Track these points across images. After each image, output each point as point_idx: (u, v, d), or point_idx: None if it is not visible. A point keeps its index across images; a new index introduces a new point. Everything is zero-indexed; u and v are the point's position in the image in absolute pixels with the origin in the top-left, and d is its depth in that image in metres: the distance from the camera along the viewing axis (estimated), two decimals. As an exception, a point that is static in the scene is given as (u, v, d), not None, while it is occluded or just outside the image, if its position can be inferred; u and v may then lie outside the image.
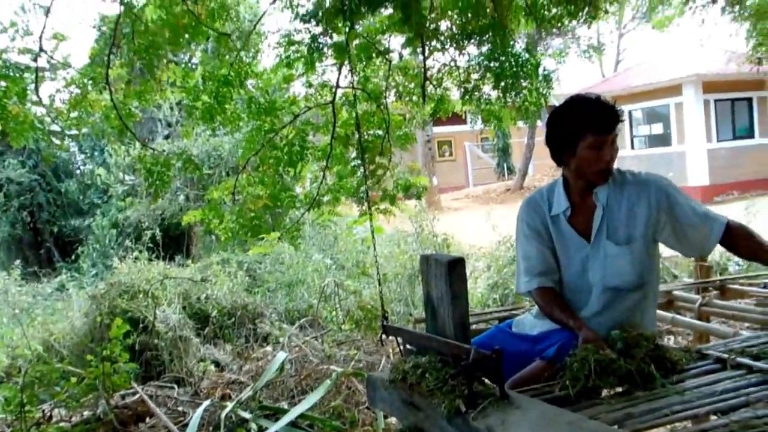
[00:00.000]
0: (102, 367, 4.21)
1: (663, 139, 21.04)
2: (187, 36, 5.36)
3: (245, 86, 5.63)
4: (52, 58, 5.66)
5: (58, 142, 7.65)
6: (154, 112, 13.93)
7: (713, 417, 1.83)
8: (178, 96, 5.90)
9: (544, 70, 5.51)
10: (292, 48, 5.41)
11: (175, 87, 5.77)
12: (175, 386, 5.32)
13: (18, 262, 11.44)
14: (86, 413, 4.39)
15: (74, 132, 6.70)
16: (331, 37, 5.23)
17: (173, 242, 13.26)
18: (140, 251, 8.66)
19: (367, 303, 6.89)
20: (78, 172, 17.05)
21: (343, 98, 5.79)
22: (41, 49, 5.30)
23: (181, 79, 5.57)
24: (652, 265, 2.51)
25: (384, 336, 2.53)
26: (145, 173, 5.50)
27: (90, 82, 5.48)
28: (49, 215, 16.02)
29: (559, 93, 5.84)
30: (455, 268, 2.06)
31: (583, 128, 2.35)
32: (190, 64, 7.49)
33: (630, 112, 21.83)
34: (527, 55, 5.53)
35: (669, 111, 20.66)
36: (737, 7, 6.48)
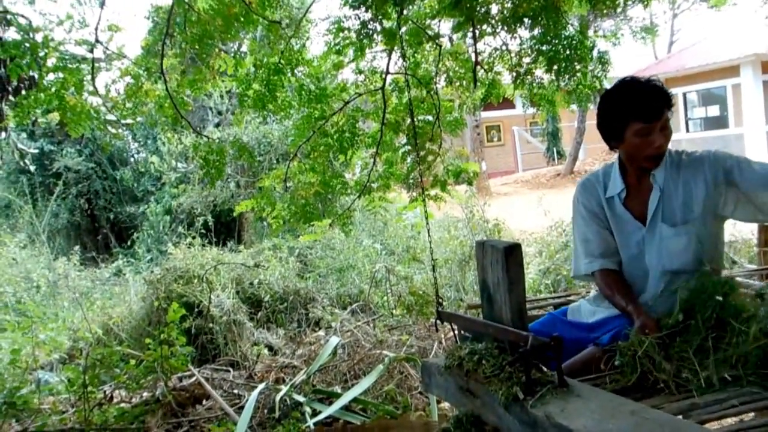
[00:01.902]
0: (160, 351, 4.31)
1: (719, 122, 20.47)
2: (237, 25, 5.41)
3: (295, 74, 5.65)
4: (107, 49, 5.77)
5: (113, 131, 7.81)
6: (205, 100, 14.12)
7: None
8: (230, 84, 5.95)
9: (599, 52, 5.39)
10: (342, 34, 5.40)
11: (227, 76, 5.83)
12: (230, 369, 5.42)
13: (77, 248, 11.78)
14: (145, 395, 4.51)
15: (129, 121, 6.83)
16: (380, 23, 5.20)
17: (225, 228, 13.47)
18: (193, 237, 8.82)
19: (419, 288, 6.90)
20: (132, 160, 17.41)
21: (393, 84, 5.77)
22: (97, 41, 5.41)
23: (233, 68, 5.62)
24: (712, 246, 2.43)
25: (438, 322, 2.52)
26: (201, 161, 5.57)
27: (144, 72, 5.58)
28: (106, 202, 16.42)
29: (612, 76, 5.70)
30: (512, 254, 2.04)
31: (629, 116, 2.32)
32: (239, 53, 7.54)
33: (684, 95, 21.30)
34: (580, 38, 5.42)
35: (726, 92, 20.08)
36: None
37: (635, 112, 2.30)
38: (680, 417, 1.73)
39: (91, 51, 5.49)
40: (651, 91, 2.31)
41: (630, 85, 2.37)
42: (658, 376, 1.98)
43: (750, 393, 1.81)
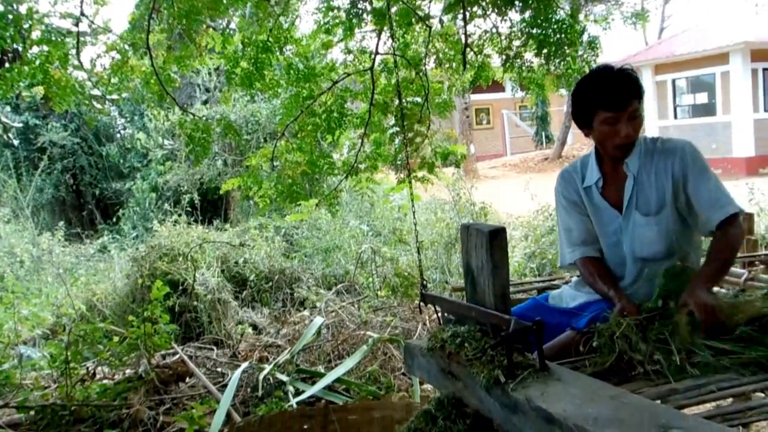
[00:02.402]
0: (143, 328, 4.29)
1: (707, 109, 20.52)
2: (226, 1, 5.35)
3: (284, 52, 5.61)
4: (92, 23, 5.70)
5: (99, 106, 7.73)
6: (193, 77, 13.98)
7: (760, 394, 1.80)
8: (217, 62, 5.90)
9: (589, 36, 5.38)
10: (331, 13, 5.37)
11: (214, 53, 5.77)
12: (214, 348, 5.42)
13: (61, 223, 11.70)
14: (128, 372, 4.50)
15: (115, 97, 6.76)
16: (370, 3, 5.17)
17: (211, 206, 13.41)
18: (179, 215, 8.77)
19: (404, 270, 6.91)
20: (118, 136, 17.24)
21: (382, 65, 5.74)
22: (82, 14, 5.34)
23: (221, 45, 5.57)
24: (683, 234, 2.45)
25: (422, 304, 2.53)
26: (186, 138, 5.53)
27: (130, 47, 5.52)
28: (91, 178, 16.28)
29: (602, 60, 5.70)
30: (496, 237, 2.04)
31: (597, 104, 2.34)
32: (228, 30, 7.46)
33: (673, 81, 21.33)
34: (571, 22, 5.40)
35: (714, 80, 20.11)
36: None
37: (602, 100, 2.32)
38: (659, 402, 1.74)
39: (77, 24, 5.43)
40: (619, 80, 2.32)
41: (600, 74, 2.38)
42: (634, 357, 1.99)
43: (728, 379, 1.83)
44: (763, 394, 1.77)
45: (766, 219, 7.18)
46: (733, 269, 3.65)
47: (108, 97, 6.61)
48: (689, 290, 2.15)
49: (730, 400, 1.87)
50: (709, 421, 1.54)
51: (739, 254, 4.42)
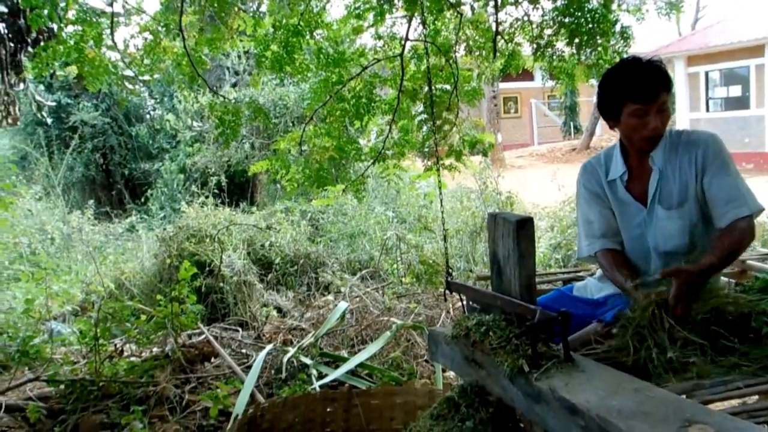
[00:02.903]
0: (171, 307, 4.36)
1: (741, 102, 20.16)
2: (258, -16, 5.37)
3: (314, 37, 5.61)
4: (126, 3, 5.74)
5: (130, 87, 7.81)
6: (222, 60, 14.05)
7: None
8: (248, 45, 5.92)
9: (622, 26, 5.31)
10: (363, -2, 5.36)
11: (245, 36, 5.79)
12: (239, 329, 5.49)
13: (91, 202, 11.86)
14: (155, 350, 4.58)
15: (147, 78, 6.82)
16: (402, -12, 5.15)
17: (238, 189, 13.50)
18: (207, 196, 8.85)
19: (429, 257, 6.92)
20: (148, 116, 17.39)
21: (412, 51, 5.72)
22: (117, -6, 5.39)
23: (251, 28, 5.58)
24: (706, 228, 2.43)
25: (447, 292, 2.54)
26: (216, 121, 5.57)
27: (163, 28, 5.55)
28: (121, 158, 16.47)
29: (634, 51, 5.62)
30: (524, 227, 2.04)
31: (625, 96, 2.32)
32: (259, 13, 7.48)
33: (706, 73, 20.97)
34: (604, 11, 5.34)
35: (749, 72, 19.74)
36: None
37: (631, 92, 2.30)
38: (684, 396, 1.74)
39: (111, 5, 5.47)
40: (649, 72, 2.30)
41: (629, 66, 2.35)
42: (657, 356, 1.98)
43: (754, 376, 1.82)
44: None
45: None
46: (761, 265, 3.61)
47: (140, 78, 6.66)
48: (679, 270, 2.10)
49: (755, 397, 1.86)
50: (735, 417, 1.53)
51: (766, 251, 4.37)
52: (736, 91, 20.45)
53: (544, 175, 11.64)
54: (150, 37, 5.59)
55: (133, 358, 4.49)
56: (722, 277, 2.70)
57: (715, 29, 22.03)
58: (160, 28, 5.57)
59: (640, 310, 2.07)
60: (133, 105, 16.63)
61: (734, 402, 1.81)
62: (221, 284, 6.17)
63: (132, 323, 4.68)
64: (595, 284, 2.69)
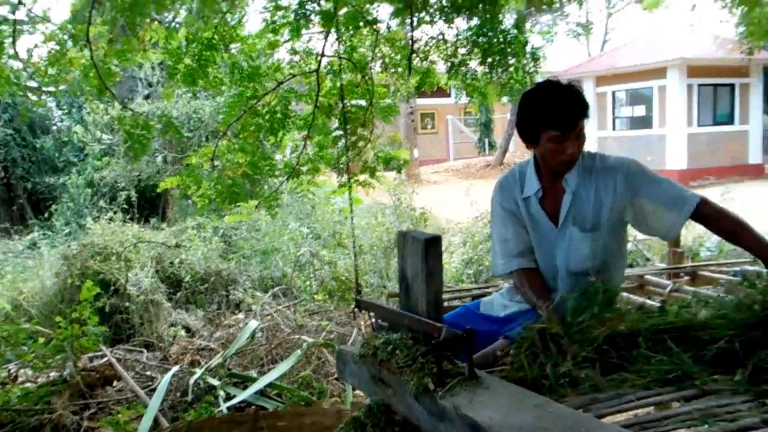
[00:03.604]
0: (71, 329, 4.16)
1: (645, 122, 21.16)
2: (171, -5, 5.24)
3: (229, 50, 5.52)
4: (31, 11, 5.51)
5: (34, 98, 7.48)
6: (135, 71, 13.69)
7: (676, 404, 1.84)
8: (161, 57, 5.77)
9: (532, 48, 5.46)
10: (279, 13, 5.31)
11: (158, 48, 5.65)
12: (144, 350, 5.30)
13: (-10, 217, 11.30)
14: (53, 374, 4.35)
15: (51, 89, 6.55)
16: (318, 4, 5.14)
17: (149, 204, 13.14)
18: (115, 212, 8.57)
19: (342, 274, 6.89)
20: (55, 128, 16.74)
21: (328, 67, 5.70)
22: (20, 2, 5.16)
23: (164, 40, 5.45)
24: (616, 250, 2.52)
25: (357, 310, 2.52)
26: (125, 135, 5.39)
27: (70, 38, 5.35)
28: (24, 171, 15.75)
29: (546, 71, 5.79)
30: (432, 246, 2.04)
31: (544, 123, 2.34)
32: (173, 24, 7.30)
33: (614, 93, 21.91)
34: (516, 32, 5.48)
35: (652, 93, 20.76)
36: (729, -6, 6.47)
37: (551, 120, 2.33)
38: (581, 410, 1.77)
39: (14, 12, 5.24)
40: (569, 100, 2.34)
41: (550, 92, 2.38)
42: (550, 372, 2.00)
43: (645, 389, 1.87)
44: (679, 404, 1.81)
45: (694, 231, 7.40)
46: (657, 280, 3.76)
47: (45, 89, 6.40)
48: None
49: (649, 409, 1.91)
50: (627, 430, 1.57)
51: (664, 266, 4.56)
52: (640, 110, 21.44)
53: (458, 190, 11.83)
54: (56, 47, 5.37)
55: (28, 384, 4.25)
56: (623, 293, 2.79)
57: (622, 51, 23.08)
58: (66, 38, 5.36)
59: (533, 330, 2.09)
60: (38, 116, 15.98)
61: (628, 414, 1.85)
62: (127, 304, 5.95)
63: (29, 347, 4.44)
64: (500, 301, 2.71)
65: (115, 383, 4.30)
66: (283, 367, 4.06)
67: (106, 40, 5.33)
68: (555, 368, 1.97)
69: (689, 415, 1.71)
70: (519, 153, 26.24)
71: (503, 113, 26.66)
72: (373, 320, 2.43)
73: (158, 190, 6.59)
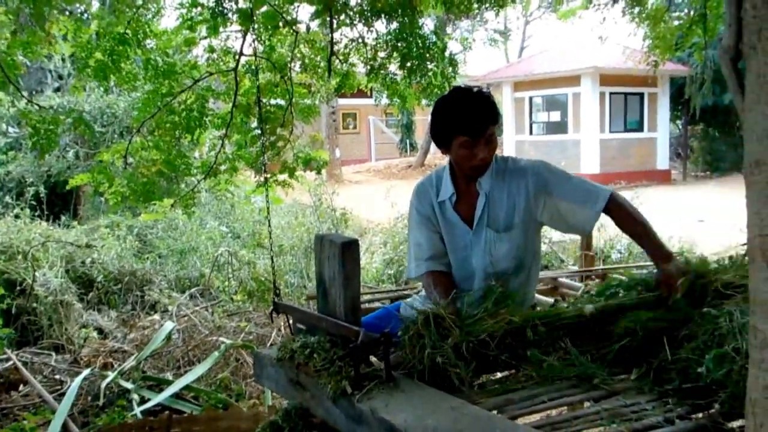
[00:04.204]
0: (-28, 333, 3.97)
1: (560, 127, 21.83)
2: (81, -14, 5.06)
3: (143, 46, 5.37)
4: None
5: (-69, 87, 7.07)
6: (45, 62, 13.09)
7: (586, 404, 1.92)
8: (70, 50, 5.55)
9: (451, 53, 5.55)
10: (196, 10, 5.20)
11: (67, 41, 5.43)
12: (54, 353, 5.09)
13: None
14: (-47, 380, 4.14)
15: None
16: (236, 2, 5.06)
17: (60, 200, 12.59)
18: (22, 208, 8.18)
19: (261, 274, 6.81)
20: (-44, 120, 15.87)
21: (247, 66, 5.63)
22: None
23: (73, 33, 5.25)
24: (531, 249, 2.60)
25: (275, 312, 2.51)
26: (31, 131, 5.16)
27: (-31, 28, 5.08)
28: None
29: (465, 74, 5.90)
30: (349, 249, 2.07)
31: (454, 129, 2.41)
32: (85, 16, 7.02)
33: (531, 98, 22.51)
34: (434, 38, 5.55)
35: (567, 100, 21.43)
36: (636, 9, 6.75)
37: (460, 126, 2.40)
38: (495, 412, 1.82)
39: None
40: (477, 107, 2.41)
41: (459, 99, 2.45)
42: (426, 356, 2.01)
43: (560, 389, 1.94)
44: (589, 404, 1.89)
45: (605, 234, 7.69)
46: (570, 282, 3.90)
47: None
48: (662, 272, 2.30)
49: (564, 409, 1.98)
50: (539, 430, 1.63)
51: (577, 268, 4.73)
52: (556, 116, 22.11)
53: (379, 191, 11.89)
54: (-47, 35, 5.10)
55: (-76, 391, 4.04)
56: (537, 295, 2.88)
57: (539, 58, 23.74)
58: (-35, 28, 5.10)
59: (423, 314, 2.11)
60: (-63, 107, 15.08)
61: (540, 416, 1.92)
62: (34, 305, 5.70)
63: (-74, 350, 4.21)
64: (420, 303, 2.75)
65: (21, 388, 4.13)
66: (200, 369, 3.99)
67: (10, 31, 5.09)
68: (433, 352, 1.99)
69: (598, 415, 1.78)
70: (440, 155, 26.53)
71: (424, 115, 26.89)
72: (291, 323, 2.42)
73: (68, 187, 6.34)
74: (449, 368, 1.97)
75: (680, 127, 25.19)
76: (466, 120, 2.38)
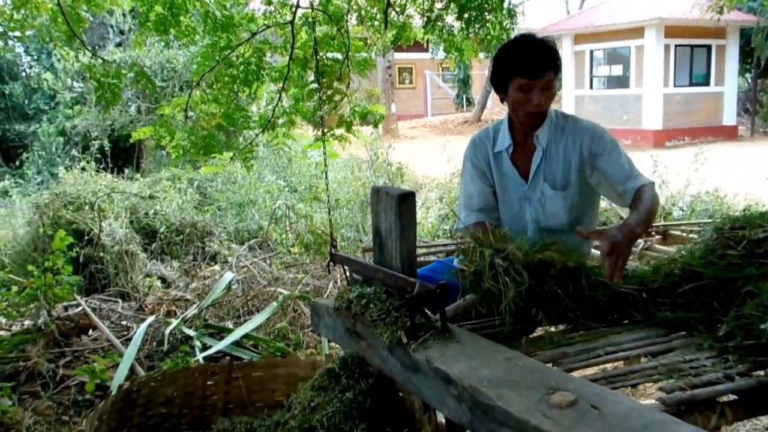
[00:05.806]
0: (44, 278, 4.14)
1: (621, 81, 21.16)
2: (142, -61, 5.09)
3: (202, -1, 5.40)
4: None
5: (1, 43, 7.27)
6: (106, 18, 13.33)
7: (643, 359, 1.90)
8: (131, 4, 5.62)
9: (510, 4, 5.42)
10: (254, -39, 5.20)
11: (129, -7, 5.51)
12: (120, 300, 5.29)
13: (-42, 165, 11.09)
14: (27, 323, 4.34)
15: (18, 34, 6.37)
16: (294, -47, 5.04)
17: (123, 154, 12.95)
18: (88, 161, 8.44)
19: (318, 228, 6.90)
20: (24, 75, 16.33)
21: (304, 19, 5.61)
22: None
23: (135, -15, 5.32)
24: (588, 209, 2.58)
25: (332, 264, 2.54)
26: (95, 84, 5.28)
27: (35, -20, 5.18)
28: (-7, 118, 15.42)
29: (524, 27, 5.75)
30: (405, 201, 2.06)
31: (512, 70, 2.40)
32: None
33: (591, 52, 21.84)
34: (494, -13, 5.42)
35: (630, 53, 20.72)
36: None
37: (519, 67, 2.38)
38: (550, 364, 1.82)
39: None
40: (538, 49, 2.38)
41: (521, 42, 2.44)
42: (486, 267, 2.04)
43: (615, 344, 1.93)
44: (646, 359, 1.87)
45: (667, 191, 7.50)
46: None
47: (10, 33, 6.22)
48: (610, 229, 2.14)
49: (618, 364, 1.97)
50: (594, 383, 1.62)
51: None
52: (617, 70, 21.42)
53: (435, 146, 11.82)
54: (20, -11, 5.21)
55: (1, 333, 4.24)
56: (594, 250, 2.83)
57: (601, 10, 22.92)
58: (31, -20, 5.19)
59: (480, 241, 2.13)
60: (5, 62, 15.55)
61: (596, 369, 1.91)
62: (101, 254, 5.92)
63: (1, 295, 4.41)
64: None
65: (90, 332, 4.30)
66: (258, 319, 4.09)
67: (73, -17, 5.18)
68: (491, 267, 2.02)
69: (655, 370, 1.77)
70: (497, 110, 26.18)
71: (481, 69, 26.48)
72: (348, 274, 2.45)
73: (131, 140, 6.50)
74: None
75: (749, 81, 24.13)
76: (524, 61, 2.37)
